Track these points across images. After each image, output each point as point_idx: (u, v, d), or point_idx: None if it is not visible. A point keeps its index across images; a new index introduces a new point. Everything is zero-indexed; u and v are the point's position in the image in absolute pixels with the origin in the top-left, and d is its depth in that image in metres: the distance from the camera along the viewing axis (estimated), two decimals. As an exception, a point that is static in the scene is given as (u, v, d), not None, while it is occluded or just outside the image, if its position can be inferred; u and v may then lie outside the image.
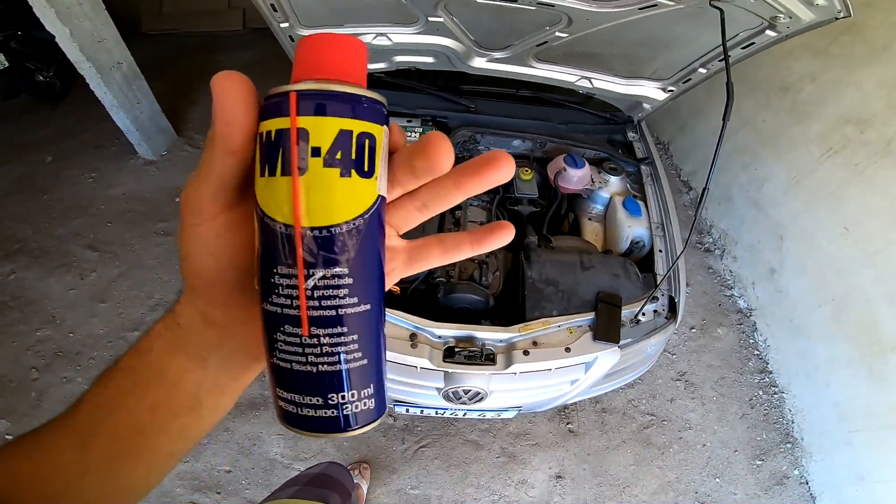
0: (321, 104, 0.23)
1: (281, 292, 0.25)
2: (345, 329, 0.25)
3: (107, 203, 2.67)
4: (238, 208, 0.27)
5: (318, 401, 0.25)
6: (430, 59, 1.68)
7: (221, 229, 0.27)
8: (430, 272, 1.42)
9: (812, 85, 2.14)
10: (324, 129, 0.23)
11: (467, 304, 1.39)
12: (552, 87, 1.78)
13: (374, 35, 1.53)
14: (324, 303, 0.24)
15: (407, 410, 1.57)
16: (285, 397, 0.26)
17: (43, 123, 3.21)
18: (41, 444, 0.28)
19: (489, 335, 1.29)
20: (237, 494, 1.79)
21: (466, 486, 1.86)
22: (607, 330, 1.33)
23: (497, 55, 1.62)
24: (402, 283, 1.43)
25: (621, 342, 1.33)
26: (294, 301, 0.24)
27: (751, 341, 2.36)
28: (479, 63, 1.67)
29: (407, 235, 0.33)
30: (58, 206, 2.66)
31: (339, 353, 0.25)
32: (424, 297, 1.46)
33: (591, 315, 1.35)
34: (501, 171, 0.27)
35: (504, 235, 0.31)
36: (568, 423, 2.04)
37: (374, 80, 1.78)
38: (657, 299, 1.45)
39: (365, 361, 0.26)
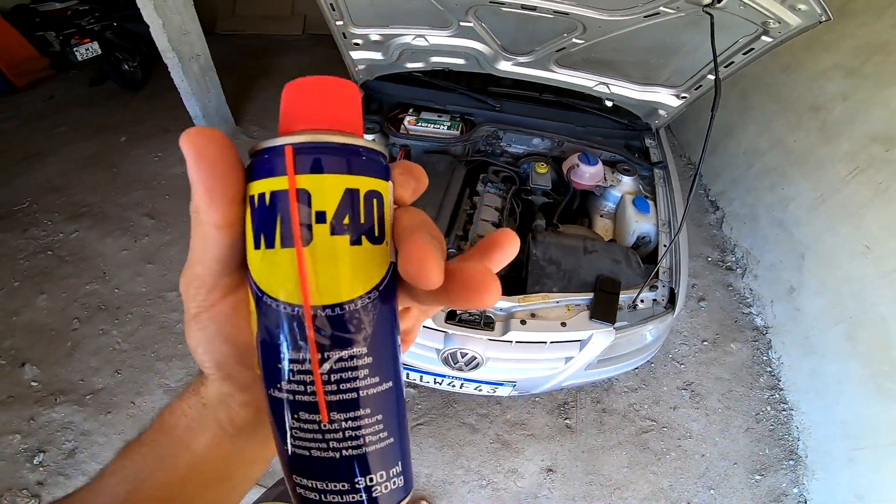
0: (323, 159, 0.21)
1: (292, 378, 0.22)
2: (367, 411, 0.23)
3: (168, 180, 2.99)
4: (245, 286, 0.24)
5: (343, 486, 0.23)
6: (461, 61, 1.85)
7: (230, 312, 0.25)
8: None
9: (843, 104, 2.14)
10: (328, 190, 0.21)
11: (472, 273, 1.49)
12: (574, 92, 1.91)
13: (414, 36, 1.72)
14: (342, 386, 0.22)
15: (407, 375, 1.66)
16: (305, 485, 0.24)
17: (122, 108, 3.65)
18: None
19: (490, 302, 1.39)
20: None
21: (456, 468, 1.90)
22: (604, 310, 1.40)
23: (521, 59, 1.77)
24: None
25: (617, 324, 1.39)
26: (308, 387, 0.22)
27: (764, 358, 2.31)
28: (506, 66, 1.83)
29: None
30: (124, 179, 3.01)
31: (363, 437, 0.23)
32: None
33: (589, 295, 1.42)
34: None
35: (508, 247, 0.26)
36: (566, 419, 2.05)
37: (410, 78, 1.98)
38: (657, 289, 1.50)
39: (391, 441, 0.24)
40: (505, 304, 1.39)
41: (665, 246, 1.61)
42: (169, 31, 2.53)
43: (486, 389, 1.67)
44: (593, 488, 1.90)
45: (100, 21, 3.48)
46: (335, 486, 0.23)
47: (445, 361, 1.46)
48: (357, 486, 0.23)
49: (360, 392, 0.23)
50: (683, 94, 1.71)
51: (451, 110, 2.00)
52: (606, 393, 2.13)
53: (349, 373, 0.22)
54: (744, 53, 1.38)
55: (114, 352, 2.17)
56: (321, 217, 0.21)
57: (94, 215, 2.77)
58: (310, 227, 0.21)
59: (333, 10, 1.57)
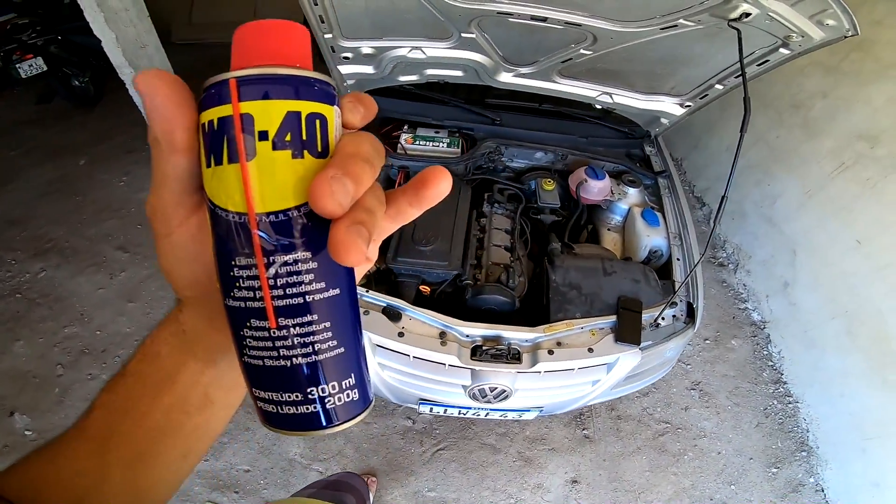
0: (264, 87, 0.23)
1: (242, 285, 0.23)
2: (315, 317, 0.24)
3: (138, 206, 2.76)
4: (205, 208, 0.26)
5: (297, 396, 0.24)
6: (459, 73, 1.77)
7: (195, 231, 0.26)
8: (458, 275, 1.48)
9: (823, 102, 2.20)
10: (269, 112, 0.22)
11: (494, 305, 1.44)
12: (573, 101, 1.87)
13: (410, 48, 1.62)
14: (289, 291, 0.23)
15: (431, 410, 1.60)
16: (263, 397, 0.25)
17: (77, 128, 3.35)
18: (61, 450, 0.28)
19: (515, 335, 1.34)
20: (255, 494, 1.82)
21: (483, 490, 1.88)
22: (629, 332, 1.38)
23: (523, 70, 1.70)
24: (430, 284, 1.49)
25: (642, 344, 1.37)
26: (257, 293, 0.23)
27: (765, 353, 2.39)
28: (506, 78, 1.75)
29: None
30: (90, 207, 2.76)
31: (312, 344, 0.24)
32: (452, 298, 1.52)
33: (612, 318, 1.40)
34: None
35: (440, 182, 0.27)
36: (584, 430, 2.06)
37: (402, 92, 1.88)
38: (676, 305, 1.49)
39: (342, 350, 0.25)
40: (530, 335, 1.35)
41: (678, 259, 1.61)
42: (123, 45, 2.30)
43: (511, 416, 1.64)
44: (618, 495, 1.92)
45: (42, 35, 3.16)
46: (289, 397, 0.24)
47: (473, 396, 1.42)
48: (310, 395, 0.24)
49: (307, 297, 0.24)
50: (688, 103, 1.70)
51: (447, 125, 1.92)
52: (619, 400, 2.15)
53: (294, 277, 0.23)
54: (758, 65, 1.36)
55: (106, 398, 2.02)
56: (263, 135, 0.22)
57: (62, 251, 2.54)
58: (253, 144, 0.22)
59: (322, 22, 1.45)
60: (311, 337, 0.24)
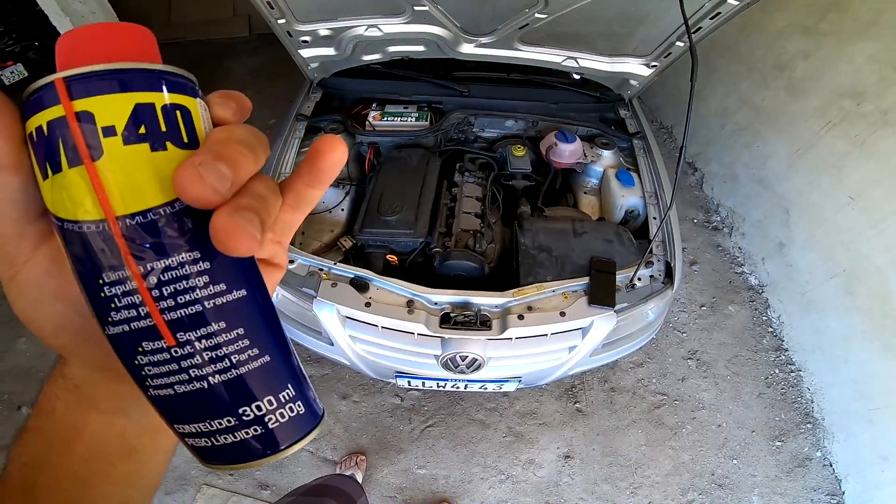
0: (102, 82, 0.20)
1: (119, 305, 0.20)
2: (222, 325, 0.21)
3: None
4: (55, 234, 0.22)
5: (229, 422, 0.21)
6: (421, 48, 1.76)
7: (49, 265, 0.22)
8: (426, 243, 1.47)
9: (806, 62, 2.15)
10: (113, 106, 0.20)
11: (462, 270, 1.43)
12: (542, 69, 1.84)
13: (366, 27, 1.62)
14: (180, 299, 0.20)
15: (409, 383, 1.59)
16: (188, 431, 0.22)
17: None
18: None
19: (484, 300, 1.33)
20: (249, 476, 1.83)
21: (473, 466, 1.86)
22: (602, 294, 1.34)
23: (483, 40, 1.69)
24: (398, 254, 1.49)
25: (617, 307, 1.34)
26: (140, 309, 0.20)
27: (764, 318, 2.30)
28: (468, 49, 1.74)
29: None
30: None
31: (227, 356, 0.21)
32: (423, 268, 1.51)
33: (585, 280, 1.37)
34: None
35: (333, 153, 0.24)
36: (576, 403, 2.02)
37: (370, 71, 1.88)
38: (653, 264, 1.45)
39: (267, 358, 0.22)
40: (499, 299, 1.33)
41: (655, 218, 1.57)
42: (96, 48, 2.35)
43: (491, 388, 1.62)
44: (614, 469, 1.87)
45: (19, 42, 3.24)
46: (220, 424, 0.21)
47: (446, 366, 1.40)
48: (245, 417, 0.21)
49: (206, 303, 0.21)
50: (654, 63, 1.66)
51: (416, 100, 1.91)
52: (613, 371, 2.10)
53: (183, 282, 0.20)
54: (710, 18, 1.33)
55: (105, 392, 2.07)
56: (110, 131, 0.19)
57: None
58: (97, 142, 0.19)
59: (272, 7, 1.46)
60: (224, 349, 0.21)
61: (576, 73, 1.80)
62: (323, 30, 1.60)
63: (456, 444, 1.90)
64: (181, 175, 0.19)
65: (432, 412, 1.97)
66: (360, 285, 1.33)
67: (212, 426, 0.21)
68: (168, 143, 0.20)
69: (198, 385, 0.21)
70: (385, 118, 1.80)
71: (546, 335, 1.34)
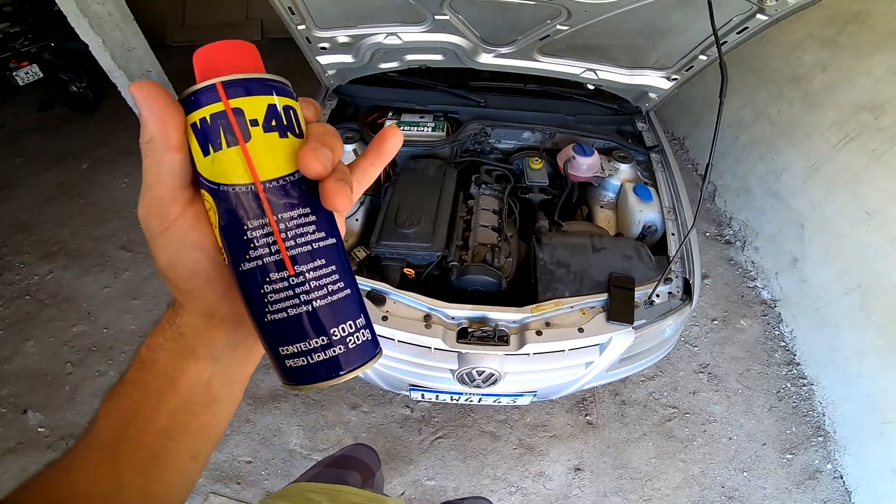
0: (246, 86, 0.27)
1: (258, 244, 0.27)
2: (323, 261, 0.28)
3: (139, 208, 2.82)
4: (198, 201, 0.29)
5: (323, 340, 0.27)
6: (439, 57, 1.74)
7: (193, 221, 0.29)
8: (443, 257, 1.45)
9: (823, 74, 2.14)
10: (255, 106, 0.27)
11: (480, 285, 1.41)
12: (559, 80, 1.82)
13: (386, 35, 1.61)
14: (299, 241, 0.27)
15: (423, 396, 1.58)
16: (290, 352, 0.28)
17: (79, 132, 3.44)
18: (74, 461, 0.28)
19: (502, 316, 1.31)
20: (257, 485, 1.83)
21: (483, 478, 1.85)
22: (621, 310, 1.33)
23: (503, 51, 1.67)
24: (415, 267, 1.47)
25: (635, 323, 1.32)
26: (272, 247, 0.27)
27: (776, 332, 2.29)
28: (486, 59, 1.72)
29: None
30: (93, 209, 2.83)
31: (326, 286, 0.28)
32: (439, 281, 1.50)
33: (603, 296, 1.35)
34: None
35: (393, 138, 0.33)
36: (587, 415, 2.01)
37: (386, 80, 1.87)
38: (671, 281, 1.44)
39: (348, 291, 0.29)
40: (517, 315, 1.31)
41: (673, 235, 1.55)
42: (111, 48, 2.32)
43: (504, 401, 1.60)
44: (624, 482, 1.86)
45: (35, 42, 3.24)
46: (316, 342, 0.27)
47: (461, 380, 1.39)
48: (334, 337, 0.28)
49: (314, 244, 0.28)
50: (674, 76, 1.65)
51: (433, 110, 1.90)
52: (624, 384, 2.09)
53: (300, 229, 0.28)
54: (738, 32, 1.31)
55: (116, 393, 2.07)
56: (254, 122, 0.27)
57: (68, 253, 2.61)
58: (247, 130, 0.27)
59: (293, 13, 1.45)
60: (324, 280, 0.28)
61: (595, 84, 1.78)
62: (342, 37, 1.58)
63: (466, 455, 1.89)
64: (305, 156, 0.27)
65: (442, 423, 1.96)
66: (377, 299, 1.32)
67: (310, 345, 0.27)
68: (288, 133, 0.28)
69: (304, 308, 0.27)
70: (402, 127, 1.79)
71: (564, 351, 1.33)
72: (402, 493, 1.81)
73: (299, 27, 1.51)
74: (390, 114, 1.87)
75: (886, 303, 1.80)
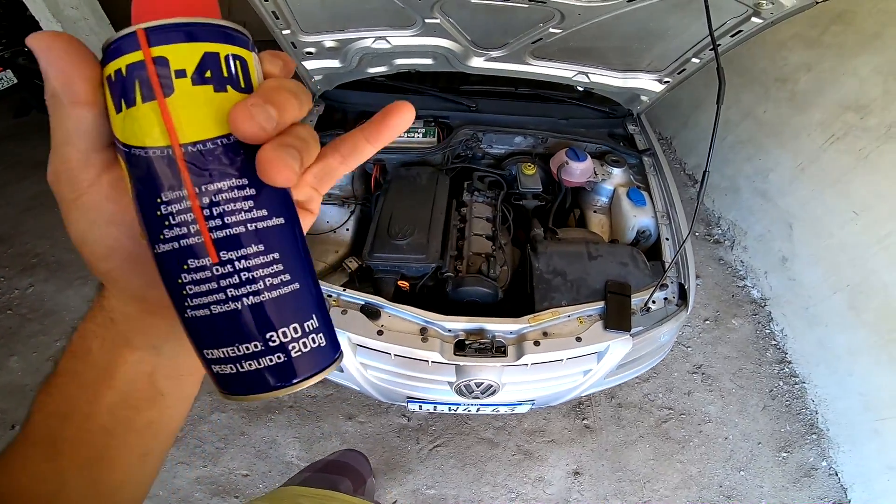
0: (177, 32, 0.22)
1: (173, 222, 0.22)
2: (260, 247, 0.22)
3: (121, 217, 2.74)
4: (117, 166, 0.24)
5: (256, 346, 0.22)
6: (429, 61, 1.72)
7: (109, 191, 0.24)
8: (438, 268, 1.43)
9: (808, 75, 2.16)
10: (185, 53, 0.22)
11: (476, 296, 1.39)
12: (551, 83, 1.81)
13: (374, 39, 1.57)
14: (228, 220, 0.22)
15: (420, 408, 1.56)
16: (216, 357, 0.23)
17: None
18: (14, 458, 0.26)
19: (499, 327, 1.30)
20: (251, 497, 1.79)
21: (483, 485, 1.84)
22: (618, 318, 1.32)
23: (494, 54, 1.65)
24: (410, 279, 1.45)
25: (633, 330, 1.32)
26: (191, 227, 0.22)
27: (767, 331, 2.32)
28: (478, 62, 1.70)
29: None
30: (74, 222, 2.73)
31: (262, 278, 0.22)
32: (434, 292, 1.48)
33: (600, 304, 1.35)
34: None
35: (402, 114, 0.27)
36: (584, 419, 2.01)
37: (374, 84, 1.83)
38: (667, 287, 1.44)
39: (296, 286, 0.23)
40: (514, 326, 1.30)
41: (668, 239, 1.55)
42: (86, 53, 2.25)
43: (503, 410, 1.60)
44: (623, 485, 1.87)
45: (8, 47, 3.11)
46: (247, 348, 0.22)
47: (460, 392, 1.37)
48: (271, 342, 0.22)
49: (248, 226, 0.22)
50: (667, 79, 1.64)
51: (423, 115, 1.86)
52: (619, 387, 2.10)
53: (231, 205, 0.22)
54: (731, 36, 1.31)
55: (101, 407, 2.01)
56: (181, 73, 0.22)
57: (48, 265, 2.52)
58: (170, 82, 0.21)
59: (277, 17, 1.40)
60: (260, 270, 0.22)
61: (587, 87, 1.77)
62: (329, 41, 1.55)
63: (465, 463, 1.88)
64: (235, 112, 0.22)
65: (440, 432, 1.94)
66: (371, 312, 1.29)
67: (239, 351, 0.22)
68: (228, 87, 0.23)
69: (232, 306, 0.22)
70: (392, 134, 1.75)
71: (562, 360, 1.32)
72: (395, 502, 1.79)
73: (284, 32, 1.47)
74: (380, 120, 1.83)
75: (876, 302, 1.83)
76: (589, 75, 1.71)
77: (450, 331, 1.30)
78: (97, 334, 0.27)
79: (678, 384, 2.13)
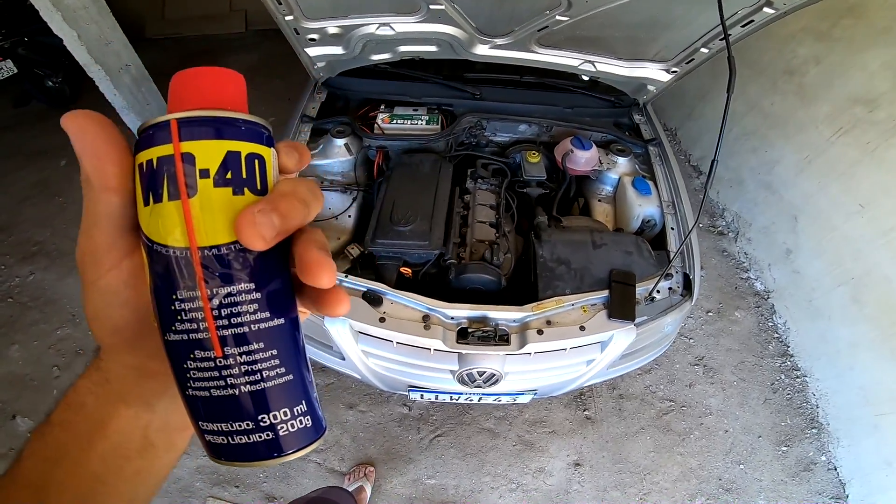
0: (205, 128, 0.23)
1: (184, 318, 0.24)
2: (261, 345, 0.24)
3: (120, 206, 2.72)
4: (138, 252, 0.26)
5: (248, 425, 0.24)
6: (433, 48, 1.69)
7: (128, 277, 0.26)
8: (441, 255, 1.42)
9: (817, 68, 2.13)
10: (210, 152, 0.23)
11: (479, 284, 1.38)
12: (556, 72, 1.79)
13: (378, 25, 1.55)
14: (233, 320, 0.24)
15: (422, 397, 1.56)
16: (210, 429, 0.25)
17: (55, 129, 3.18)
18: (1, 500, 0.26)
19: (502, 315, 1.29)
20: (255, 487, 1.79)
21: (483, 475, 1.84)
22: (622, 307, 1.31)
23: (499, 41, 1.63)
24: (412, 266, 1.44)
25: (637, 320, 1.31)
26: (201, 324, 0.23)
27: (770, 324, 2.31)
28: (482, 50, 1.68)
29: None
30: (73, 208, 2.72)
31: (259, 371, 0.24)
32: (436, 279, 1.47)
33: (604, 293, 1.34)
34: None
35: (338, 307, 0.27)
36: (585, 410, 2.01)
37: (377, 71, 1.81)
38: (671, 276, 1.43)
39: (291, 377, 0.25)
40: (518, 314, 1.29)
41: (673, 229, 1.54)
42: (87, 42, 2.20)
43: (505, 400, 1.59)
44: (623, 476, 1.87)
45: (8, 38, 3.09)
46: (239, 426, 0.24)
47: (462, 381, 1.36)
48: (262, 423, 0.24)
49: (252, 326, 0.24)
50: (674, 69, 1.62)
51: (426, 103, 1.84)
52: (621, 378, 2.09)
53: (238, 307, 0.24)
54: (742, 26, 1.28)
55: (102, 397, 2.00)
56: (205, 173, 0.23)
57: (48, 253, 2.51)
58: (194, 182, 0.23)
59: (280, 3, 1.38)
60: (258, 365, 0.24)
61: (593, 76, 1.75)
62: (332, 28, 1.52)
63: (465, 453, 1.88)
64: (241, 220, 0.23)
65: (441, 421, 1.94)
66: (373, 299, 1.28)
67: (231, 427, 0.24)
68: (245, 189, 0.24)
69: (230, 392, 0.24)
70: (394, 121, 1.74)
71: (565, 349, 1.31)
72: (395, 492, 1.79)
73: (287, 18, 1.44)
74: (382, 106, 1.82)
75: (879, 295, 1.82)
76: (595, 64, 1.69)
77: (452, 318, 1.29)
78: (91, 391, 0.28)
79: (680, 376, 2.13)
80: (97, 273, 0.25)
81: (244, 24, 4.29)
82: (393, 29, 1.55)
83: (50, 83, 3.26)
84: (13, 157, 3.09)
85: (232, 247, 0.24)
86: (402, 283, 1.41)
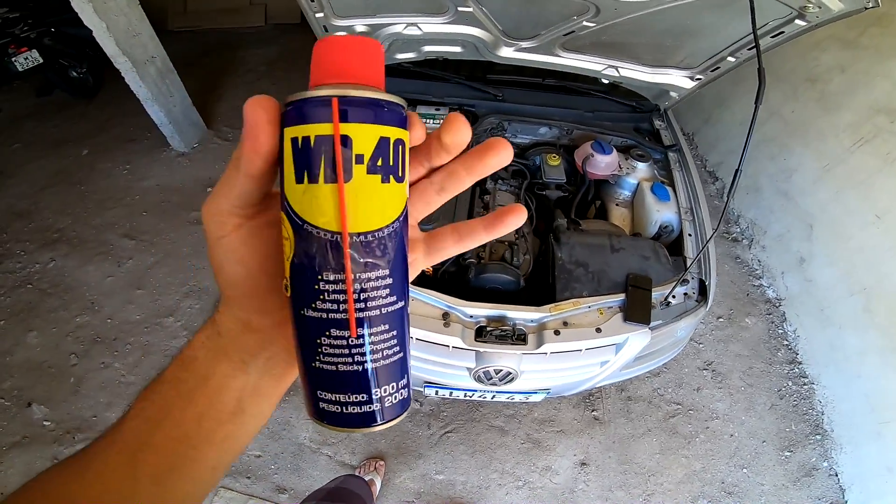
0: (363, 111, 0.23)
1: (327, 298, 0.25)
2: (386, 326, 0.26)
3: (141, 194, 2.77)
4: (259, 217, 0.28)
5: (362, 398, 0.26)
6: (458, 49, 1.71)
7: (246, 237, 0.28)
8: (460, 254, 1.44)
9: (842, 76, 2.12)
10: (366, 137, 0.23)
11: (498, 284, 1.41)
12: (578, 75, 1.80)
13: (406, 25, 1.57)
14: (369, 304, 0.25)
15: (436, 392, 1.59)
16: (329, 398, 0.26)
17: (78, 119, 3.34)
18: (90, 463, 0.27)
19: (520, 315, 1.31)
20: (266, 479, 1.83)
21: (491, 472, 1.87)
22: (638, 311, 1.33)
23: (524, 45, 1.64)
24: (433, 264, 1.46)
25: (652, 324, 1.33)
26: (341, 306, 0.25)
27: (780, 331, 2.33)
28: (507, 52, 1.69)
29: (426, 221, 0.36)
30: (94, 197, 2.77)
31: (382, 350, 0.26)
32: (455, 278, 1.49)
33: (621, 296, 1.36)
34: (500, 155, 0.29)
35: (515, 218, 0.31)
36: (593, 411, 2.04)
37: (400, 70, 1.83)
38: (687, 282, 1.45)
39: (402, 354, 0.27)
40: (535, 314, 1.31)
41: (690, 235, 1.55)
42: (115, 34, 2.25)
43: (518, 398, 1.62)
44: (628, 477, 1.90)
45: (35, 28, 3.14)
46: (355, 398, 0.26)
47: (478, 379, 1.39)
48: (373, 396, 0.26)
49: (382, 310, 0.26)
50: (698, 76, 1.63)
51: (448, 102, 1.86)
52: (630, 381, 2.12)
53: (375, 292, 0.25)
54: (772, 36, 1.29)
55: (121, 385, 2.04)
56: (360, 159, 0.23)
57: (69, 241, 2.56)
58: (350, 167, 0.23)
59: (312, 0, 1.40)
60: (382, 344, 0.26)
61: (615, 81, 1.76)
62: (360, 26, 1.54)
63: (475, 450, 1.91)
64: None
65: (452, 418, 1.98)
66: (395, 296, 1.31)
67: (349, 398, 0.26)
68: (391, 177, 0.25)
69: (355, 367, 0.25)
70: (417, 120, 1.75)
71: (581, 350, 1.34)
72: (405, 486, 1.83)
73: (317, 15, 1.46)
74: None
75: (890, 305, 1.83)
76: (619, 69, 1.70)
77: (471, 317, 1.32)
78: (204, 345, 0.30)
79: (688, 380, 2.15)
80: (221, 231, 0.27)
81: (264, 18, 4.34)
82: (420, 29, 1.57)
83: (74, 73, 3.31)
84: (37, 145, 3.14)
85: (377, 234, 0.25)
86: (422, 281, 1.44)
